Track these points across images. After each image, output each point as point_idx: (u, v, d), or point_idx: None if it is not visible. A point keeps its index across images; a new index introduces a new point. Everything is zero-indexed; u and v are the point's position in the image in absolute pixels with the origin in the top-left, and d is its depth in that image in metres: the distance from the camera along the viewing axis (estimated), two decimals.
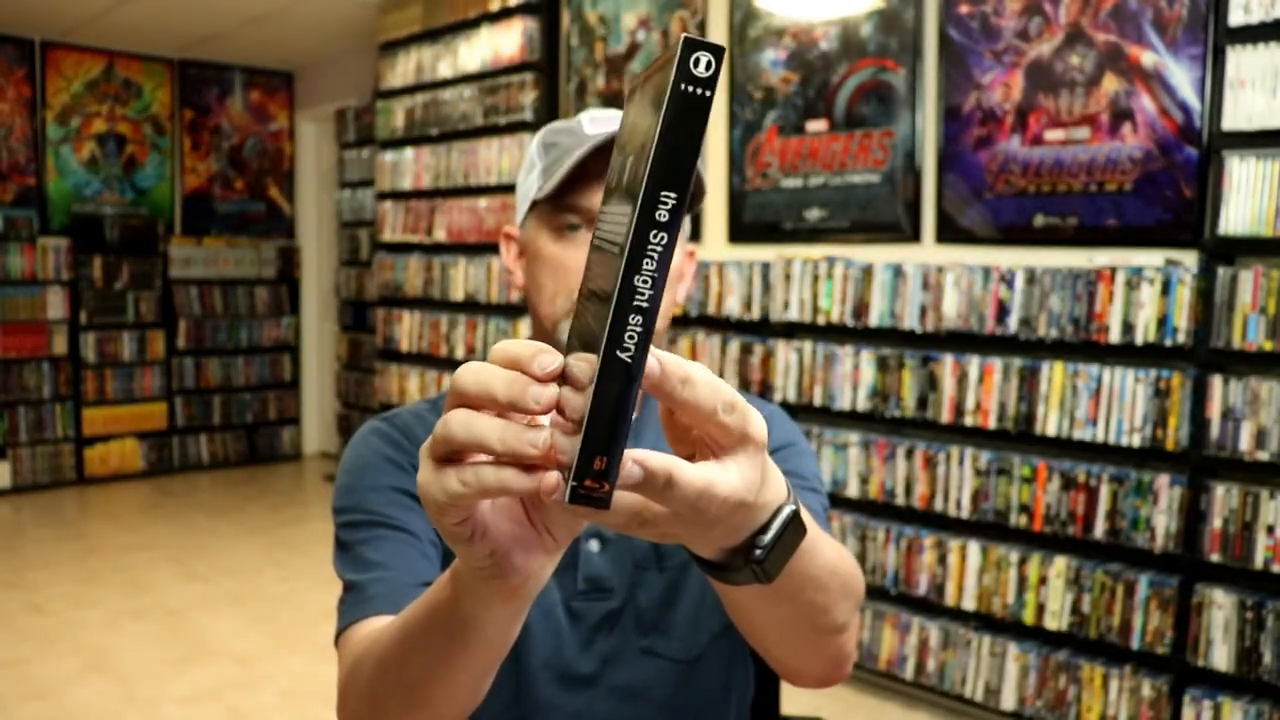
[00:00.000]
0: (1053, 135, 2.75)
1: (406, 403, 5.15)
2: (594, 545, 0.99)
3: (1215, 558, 2.38)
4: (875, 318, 3.01)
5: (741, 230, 3.55)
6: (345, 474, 1.01)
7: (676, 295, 1.03)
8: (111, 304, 5.90)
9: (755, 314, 3.34)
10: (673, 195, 0.42)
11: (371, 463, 0.99)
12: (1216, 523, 2.38)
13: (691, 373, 0.48)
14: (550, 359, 0.47)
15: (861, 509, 3.09)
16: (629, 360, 0.43)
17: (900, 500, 2.97)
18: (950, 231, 2.99)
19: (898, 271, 2.96)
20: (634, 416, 1.03)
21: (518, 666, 0.97)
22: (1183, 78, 2.50)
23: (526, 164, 1.03)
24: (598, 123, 0.96)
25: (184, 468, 6.22)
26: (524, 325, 4.28)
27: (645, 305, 0.42)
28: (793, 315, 3.21)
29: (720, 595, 0.71)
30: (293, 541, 4.77)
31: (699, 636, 1.01)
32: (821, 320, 3.14)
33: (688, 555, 0.98)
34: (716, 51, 0.41)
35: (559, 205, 0.97)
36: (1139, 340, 2.50)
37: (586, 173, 0.94)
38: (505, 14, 4.30)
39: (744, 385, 3.36)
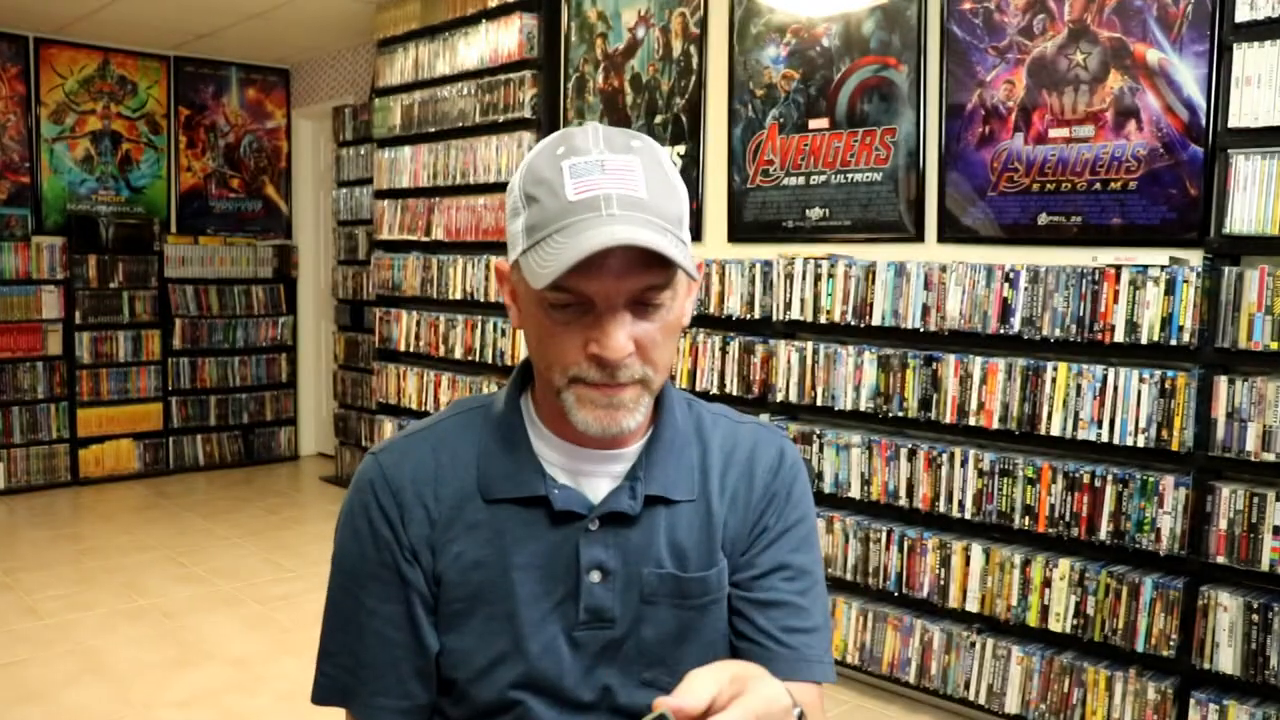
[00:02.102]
0: (1056, 133, 2.73)
1: (404, 403, 5.11)
2: (595, 577, 0.98)
3: (1221, 559, 2.37)
4: (877, 317, 2.99)
5: (742, 229, 3.53)
6: (339, 545, 1.02)
7: (684, 319, 0.99)
8: (106, 303, 5.86)
9: (756, 313, 3.31)
10: None
11: (364, 543, 1.00)
12: (1222, 524, 2.36)
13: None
14: None
15: (864, 510, 3.07)
16: None
17: (903, 501, 2.94)
18: (953, 230, 2.97)
19: (900, 270, 2.94)
20: (643, 441, 1.01)
21: (522, 695, 0.97)
22: (1188, 75, 2.48)
23: (511, 205, 0.95)
24: (578, 175, 0.88)
25: (180, 469, 6.18)
26: None
27: None
28: (794, 314, 3.19)
29: None
30: (289, 543, 4.74)
31: None
32: (823, 319, 3.12)
33: (710, 598, 1.00)
34: None
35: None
36: (1144, 340, 2.48)
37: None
38: (504, 10, 4.27)
39: (745, 385, 3.34)
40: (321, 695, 1.01)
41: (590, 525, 0.97)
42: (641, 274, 0.87)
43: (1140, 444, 2.49)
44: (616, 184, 0.87)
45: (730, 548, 1.02)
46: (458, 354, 4.57)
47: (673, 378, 3.52)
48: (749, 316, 3.33)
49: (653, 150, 0.92)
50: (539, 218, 0.89)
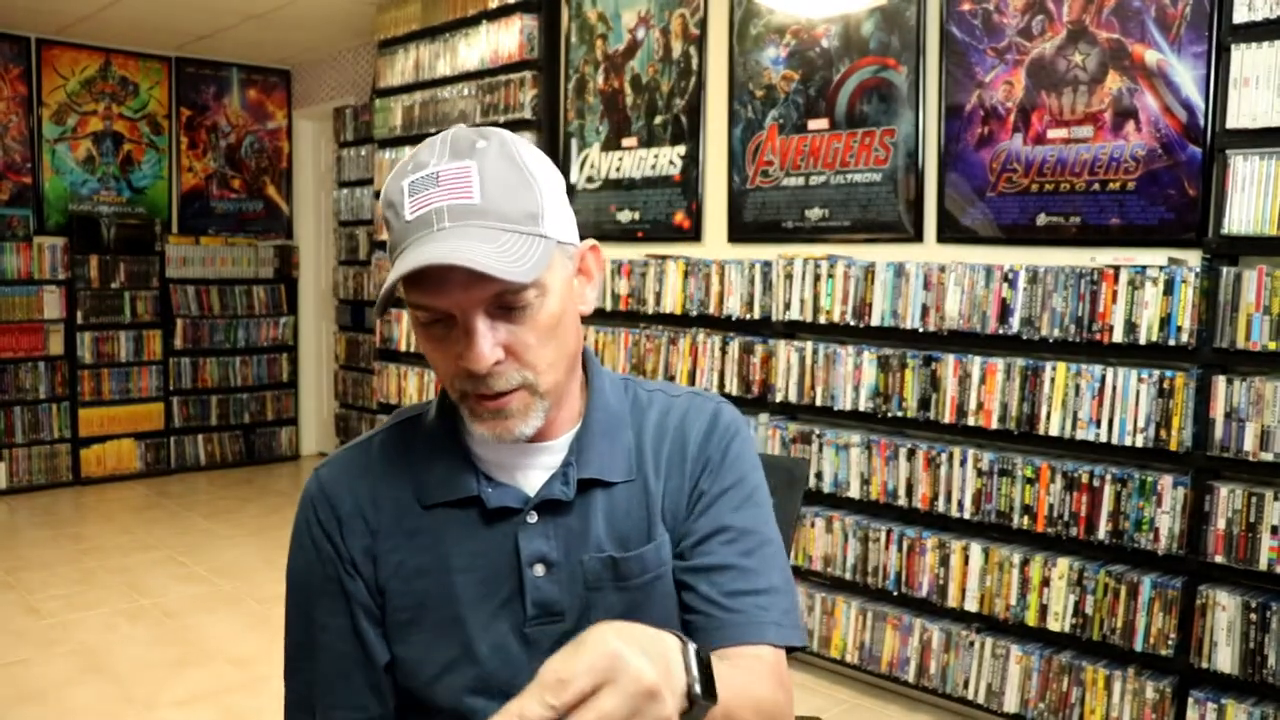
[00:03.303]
0: (1055, 134, 2.73)
1: (405, 403, 5.13)
2: (538, 570, 0.96)
3: (1219, 559, 2.37)
4: (877, 317, 2.99)
5: (742, 229, 3.53)
6: (289, 563, 1.05)
7: (585, 304, 0.98)
8: (108, 304, 5.87)
9: (756, 314, 3.32)
10: None
11: (309, 558, 1.02)
12: (1220, 524, 2.37)
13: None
14: None
15: (863, 509, 3.08)
16: None
17: (902, 501, 2.95)
18: (952, 231, 2.97)
19: (899, 271, 2.94)
20: (575, 430, 1.00)
21: (478, 700, 0.96)
22: (1186, 75, 2.49)
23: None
24: (415, 193, 0.88)
25: (181, 468, 6.19)
26: None
27: None
28: (794, 315, 3.20)
29: None
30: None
31: None
32: (823, 320, 3.12)
33: (651, 575, 0.99)
34: None
35: (407, 298, 0.91)
36: (1142, 340, 2.49)
37: (422, 274, 0.86)
38: (504, 11, 4.28)
39: (744, 385, 3.34)
40: (291, 714, 1.03)
41: (528, 518, 0.97)
42: (489, 281, 0.85)
43: (1139, 444, 2.49)
44: (449, 195, 0.87)
45: (670, 519, 1.00)
46: None
47: (671, 378, 3.54)
48: (748, 316, 3.34)
49: (502, 145, 0.90)
50: (391, 240, 0.91)
